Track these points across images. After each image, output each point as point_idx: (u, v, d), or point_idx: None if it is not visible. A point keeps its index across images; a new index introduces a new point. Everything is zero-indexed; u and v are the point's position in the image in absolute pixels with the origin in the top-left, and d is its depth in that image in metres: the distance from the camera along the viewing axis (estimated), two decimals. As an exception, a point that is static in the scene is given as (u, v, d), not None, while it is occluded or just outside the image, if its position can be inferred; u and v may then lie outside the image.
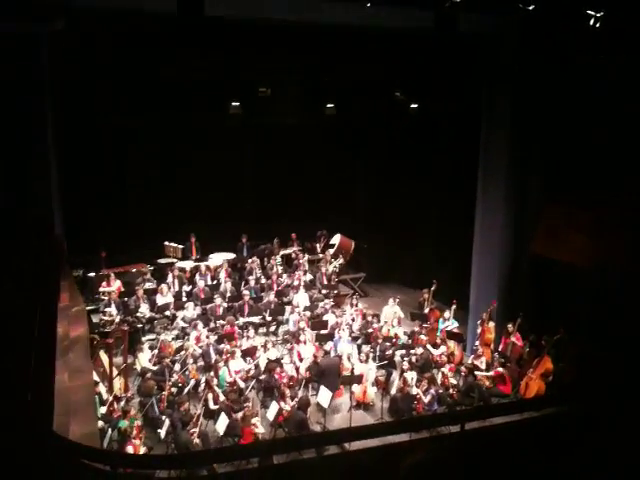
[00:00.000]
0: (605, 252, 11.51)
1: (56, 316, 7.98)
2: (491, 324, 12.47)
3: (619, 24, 9.81)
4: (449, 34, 9.42)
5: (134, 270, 14.81)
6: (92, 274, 14.40)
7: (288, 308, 13.92)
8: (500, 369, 11.36)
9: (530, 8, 9.83)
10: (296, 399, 10.35)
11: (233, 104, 13.60)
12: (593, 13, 9.93)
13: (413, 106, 15.03)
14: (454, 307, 13.15)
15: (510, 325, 12.10)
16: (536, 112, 11.91)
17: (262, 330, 13.84)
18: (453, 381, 11.28)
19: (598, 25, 10.05)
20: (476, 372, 11.53)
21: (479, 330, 12.56)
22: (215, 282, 14.79)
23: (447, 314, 13.04)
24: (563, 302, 11.61)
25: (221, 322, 13.00)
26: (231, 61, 12.12)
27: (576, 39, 10.44)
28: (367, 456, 4.70)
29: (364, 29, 11.27)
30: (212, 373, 10.89)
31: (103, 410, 9.69)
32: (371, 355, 11.79)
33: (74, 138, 13.55)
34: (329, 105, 14.64)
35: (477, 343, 12.35)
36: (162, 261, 15.66)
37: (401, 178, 16.95)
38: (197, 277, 14.59)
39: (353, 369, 11.56)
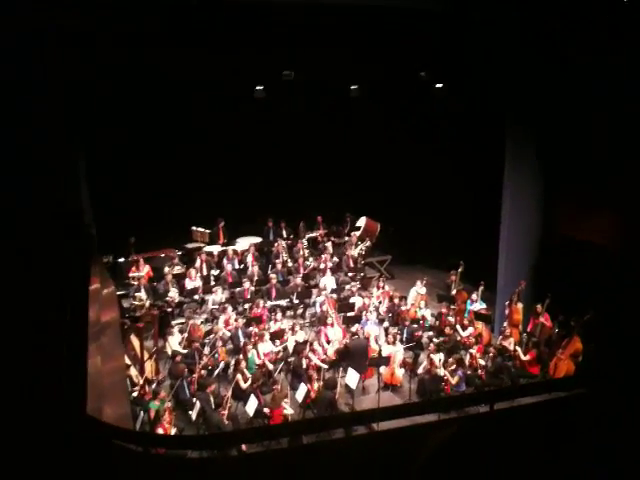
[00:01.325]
0: (633, 234, 11.36)
1: (88, 301, 8.13)
2: (519, 305, 12.38)
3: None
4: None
5: (163, 255, 14.98)
6: (121, 260, 14.61)
7: (315, 291, 13.97)
8: (534, 350, 11.29)
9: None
10: (322, 380, 10.43)
11: (257, 88, 13.57)
12: None
13: (438, 86, 14.85)
14: (482, 288, 13.07)
15: (539, 306, 12.01)
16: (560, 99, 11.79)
17: (289, 313, 13.93)
18: (482, 362, 11.25)
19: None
20: (507, 354, 11.48)
21: (507, 311, 12.49)
22: (242, 266, 14.90)
23: (474, 295, 12.97)
24: (593, 282, 11.47)
25: (248, 305, 13.13)
26: (254, 45, 12.08)
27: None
28: (395, 436, 4.73)
29: (389, 9, 11.15)
30: (241, 355, 11.02)
31: (135, 393, 9.88)
32: (398, 337, 11.80)
33: (101, 125, 13.66)
34: (353, 87, 14.51)
35: (505, 324, 12.29)
36: (190, 246, 15.81)
37: (427, 160, 16.82)
38: (225, 261, 14.71)
39: (381, 351, 11.60)
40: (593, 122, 11.56)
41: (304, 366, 10.90)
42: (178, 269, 14.27)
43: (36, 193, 7.76)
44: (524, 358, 11.22)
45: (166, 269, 14.14)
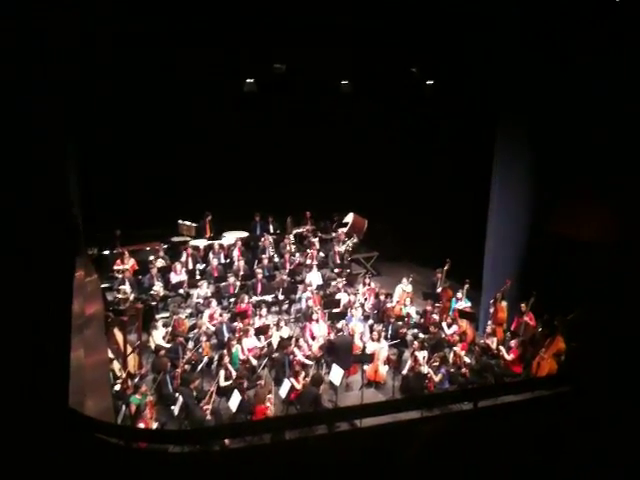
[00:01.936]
0: (621, 231, 11.43)
1: (72, 293, 8.07)
2: (504, 303, 12.45)
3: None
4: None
5: (148, 248, 14.91)
6: (107, 252, 14.52)
7: (301, 287, 13.97)
8: (517, 350, 11.34)
9: None
10: (308, 377, 10.43)
11: (247, 81, 13.51)
12: None
13: (429, 82, 14.89)
14: (467, 286, 13.14)
15: (523, 305, 12.08)
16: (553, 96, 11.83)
17: (275, 308, 13.91)
18: (466, 360, 11.30)
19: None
20: (491, 352, 11.54)
21: (492, 309, 12.56)
22: (228, 260, 14.86)
23: (460, 294, 13.03)
24: (577, 281, 11.55)
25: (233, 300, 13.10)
26: (245, 37, 12.04)
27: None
28: (378, 433, 4.73)
29: (379, 3, 11.18)
30: (225, 351, 10.99)
31: (117, 387, 9.82)
32: (383, 334, 11.83)
33: (89, 120, 13.57)
34: (344, 82, 14.51)
35: (489, 322, 12.35)
36: (176, 239, 15.74)
37: (415, 157, 16.87)
38: (210, 255, 14.67)
39: (365, 348, 11.62)
40: (584, 120, 11.59)
41: (288, 362, 10.90)
42: (161, 262, 14.18)
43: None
44: (507, 357, 11.28)
45: (150, 257, 14.10)
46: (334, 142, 17.07)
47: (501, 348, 11.43)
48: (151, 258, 14.29)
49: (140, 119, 14.93)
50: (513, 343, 11.38)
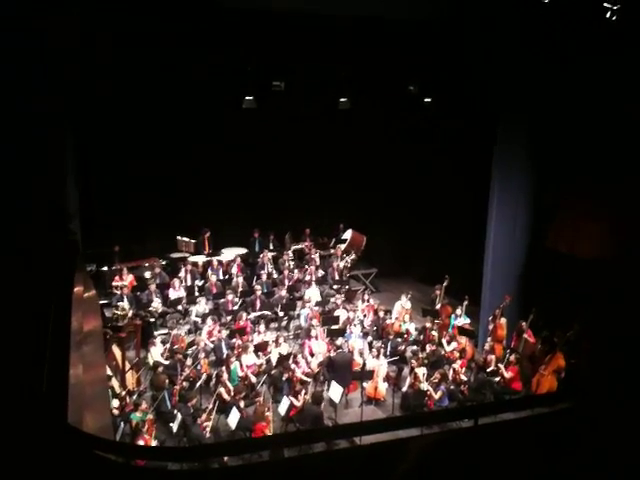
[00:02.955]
0: (620, 246, 11.45)
1: (70, 309, 8.05)
2: (503, 320, 12.43)
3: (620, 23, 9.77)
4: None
5: (147, 264, 14.90)
6: (105, 268, 14.50)
7: (300, 303, 13.95)
8: (516, 367, 11.30)
9: None
10: (307, 394, 10.38)
11: (247, 98, 13.58)
12: (610, 6, 9.86)
13: (427, 100, 14.98)
14: (466, 303, 13.13)
15: (523, 323, 12.06)
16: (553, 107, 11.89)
17: (274, 325, 13.88)
18: (464, 377, 11.26)
19: (615, 18, 10.00)
20: (490, 370, 11.51)
21: (491, 326, 12.54)
22: (227, 277, 14.85)
23: (459, 310, 13.01)
24: (577, 297, 11.55)
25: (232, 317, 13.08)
26: (244, 54, 12.14)
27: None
28: (377, 450, 4.71)
29: (379, 21, 11.28)
30: (224, 367, 10.95)
31: (116, 404, 9.78)
32: (382, 351, 11.79)
33: (88, 134, 13.61)
34: (342, 99, 14.58)
35: (489, 339, 12.33)
36: (175, 255, 15.74)
37: (414, 172, 16.92)
38: (209, 272, 14.66)
39: (364, 365, 11.58)
40: (585, 121, 11.63)
41: (287, 379, 10.87)
42: (157, 280, 14.13)
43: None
44: (506, 375, 11.22)
45: (147, 274, 14.10)
46: (333, 158, 17.11)
47: (500, 366, 11.38)
48: (147, 275, 14.29)
49: (138, 135, 14.96)
50: (512, 360, 11.34)
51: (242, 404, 10.03)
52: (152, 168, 15.33)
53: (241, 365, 11.22)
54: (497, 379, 11.27)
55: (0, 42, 7.44)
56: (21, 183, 7.51)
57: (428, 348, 11.98)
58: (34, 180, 7.75)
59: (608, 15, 10.02)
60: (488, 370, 11.50)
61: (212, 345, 12.04)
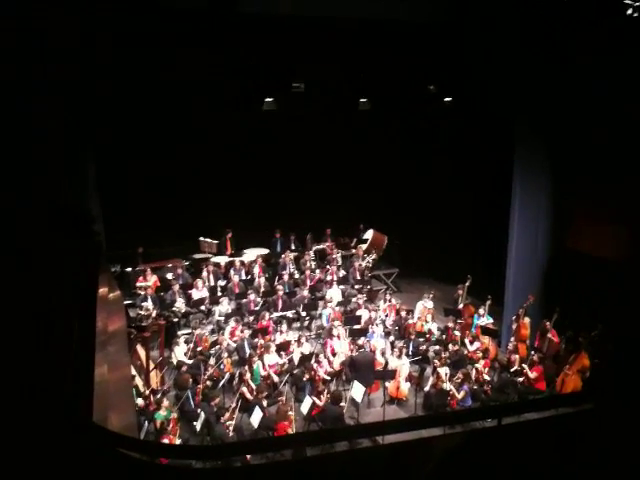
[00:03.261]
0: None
1: (95, 309, 8.14)
2: (527, 320, 12.33)
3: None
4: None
5: (170, 265, 15.04)
6: (129, 269, 14.66)
7: (321, 303, 13.98)
8: (540, 366, 11.20)
9: None
10: (328, 394, 10.39)
11: (267, 100, 13.64)
12: (631, 2, 9.75)
13: (447, 99, 14.92)
14: (489, 303, 13.04)
15: (547, 322, 11.95)
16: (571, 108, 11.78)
17: (296, 325, 13.92)
18: (487, 377, 11.19)
19: (637, 15, 9.89)
20: (514, 369, 11.42)
21: (514, 326, 12.44)
22: (249, 277, 14.93)
23: (482, 310, 12.93)
24: (601, 297, 11.41)
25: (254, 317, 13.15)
26: (264, 57, 12.18)
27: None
28: (400, 450, 4.70)
29: (397, 23, 11.27)
30: (246, 367, 11.01)
31: (140, 403, 9.88)
32: (404, 350, 11.77)
33: (111, 132, 13.73)
34: (363, 100, 14.58)
35: (512, 339, 12.23)
36: (197, 256, 15.85)
37: (435, 173, 16.86)
38: (232, 272, 14.74)
39: (387, 364, 11.57)
40: (605, 134, 11.54)
41: (309, 378, 10.90)
42: (180, 272, 14.25)
43: (36, 193, 7.77)
44: (531, 376, 11.11)
45: (170, 275, 14.23)
46: (353, 159, 17.12)
47: (524, 366, 11.28)
48: (170, 276, 14.42)
49: (162, 135, 15.07)
50: (535, 360, 11.24)
51: (265, 403, 10.08)
52: (172, 170, 15.47)
53: (263, 364, 11.27)
54: (521, 379, 11.18)
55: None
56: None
57: (451, 347, 11.93)
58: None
59: (630, 12, 9.93)
60: (512, 370, 11.42)
61: (235, 345, 12.11)
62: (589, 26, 9.85)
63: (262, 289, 14.13)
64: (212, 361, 11.18)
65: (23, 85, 7.90)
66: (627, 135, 11.10)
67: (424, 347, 12.17)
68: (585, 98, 11.21)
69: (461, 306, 13.56)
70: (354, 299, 14.15)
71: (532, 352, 11.65)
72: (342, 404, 10.27)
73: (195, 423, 9.64)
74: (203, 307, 13.63)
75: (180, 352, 11.70)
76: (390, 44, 11.94)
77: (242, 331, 12.28)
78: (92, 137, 11.67)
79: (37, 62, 8.29)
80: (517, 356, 11.62)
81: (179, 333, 12.72)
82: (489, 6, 10.70)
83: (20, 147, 7.77)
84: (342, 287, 14.72)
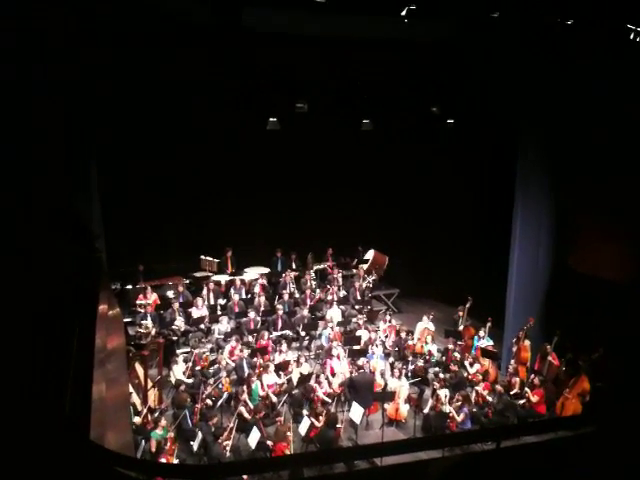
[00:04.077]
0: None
1: (95, 327, 8.13)
2: (527, 342, 12.29)
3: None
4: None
5: (170, 283, 15.03)
6: (129, 287, 14.66)
7: (321, 323, 13.94)
8: (541, 389, 11.14)
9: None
10: (327, 416, 10.33)
11: (271, 120, 13.73)
12: (634, 27, 9.84)
13: (449, 121, 15.02)
14: (489, 324, 13.00)
15: (548, 346, 11.91)
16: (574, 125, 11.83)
17: (295, 345, 13.88)
18: (489, 398, 11.13)
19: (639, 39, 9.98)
20: (514, 392, 11.37)
21: (514, 348, 12.40)
22: (249, 296, 14.91)
23: (482, 332, 12.88)
24: (602, 320, 11.39)
25: (254, 336, 13.12)
26: (267, 76, 12.29)
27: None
28: (398, 472, 4.68)
29: (401, 43, 11.37)
30: (245, 387, 10.96)
31: (137, 421, 9.83)
32: (404, 372, 11.72)
33: (112, 154, 13.80)
34: (365, 120, 14.68)
35: (512, 361, 12.19)
36: (198, 274, 15.85)
37: (436, 193, 16.91)
38: (232, 291, 14.72)
39: (386, 385, 11.51)
40: (605, 135, 11.55)
41: (308, 399, 10.84)
42: (180, 290, 14.27)
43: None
44: (533, 400, 11.04)
45: (170, 293, 14.21)
46: (355, 178, 17.19)
47: (527, 389, 11.22)
48: (170, 294, 14.40)
49: (166, 151, 15.09)
50: (536, 383, 11.18)
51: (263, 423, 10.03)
52: (176, 188, 15.51)
53: (262, 384, 11.22)
54: (521, 402, 11.12)
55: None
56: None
57: (452, 367, 11.88)
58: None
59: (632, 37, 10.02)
60: (512, 393, 11.36)
61: (234, 364, 12.06)
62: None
63: (262, 308, 14.11)
64: (211, 380, 11.14)
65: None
66: (627, 136, 11.11)
67: (422, 366, 12.11)
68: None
69: (461, 328, 13.53)
70: (354, 319, 14.13)
71: (532, 375, 11.60)
72: (338, 426, 10.22)
73: (192, 443, 9.58)
74: (203, 326, 13.59)
75: (179, 371, 11.65)
76: (393, 63, 12.03)
77: (241, 350, 12.24)
78: (93, 145, 11.68)
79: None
80: (517, 379, 11.57)
81: (178, 352, 12.68)
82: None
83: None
84: (342, 307, 14.70)
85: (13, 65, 7.72)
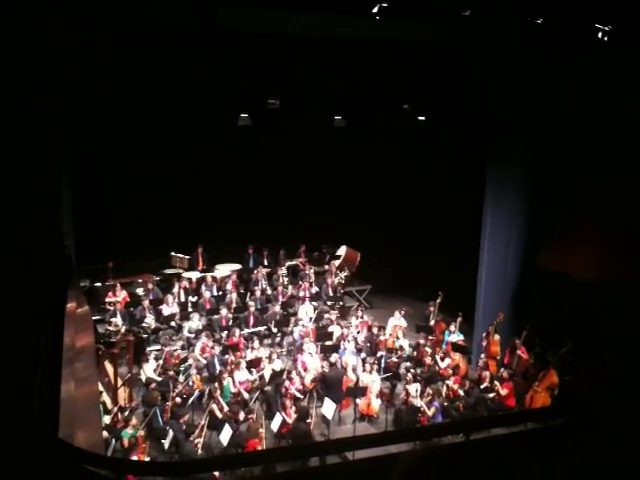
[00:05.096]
0: (614, 267, 11.50)
1: (63, 325, 8.03)
2: (497, 337, 12.45)
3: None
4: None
5: (140, 280, 14.88)
6: (99, 284, 14.48)
7: (293, 319, 13.94)
8: (510, 383, 11.29)
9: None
10: (297, 411, 10.34)
11: (242, 115, 13.65)
12: (601, 27, 9.98)
13: (421, 118, 15.10)
14: (460, 319, 13.14)
15: (517, 340, 12.07)
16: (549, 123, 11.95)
17: (267, 341, 13.85)
18: (461, 392, 11.24)
19: (606, 38, 10.12)
20: (484, 386, 11.50)
21: (484, 343, 12.55)
22: (221, 293, 14.83)
23: (453, 327, 13.02)
24: (570, 315, 11.58)
25: (226, 333, 13.06)
26: (240, 72, 12.22)
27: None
28: (370, 466, 4.70)
29: (374, 42, 11.39)
30: (216, 384, 10.91)
31: (107, 420, 9.73)
32: (375, 367, 11.78)
33: (82, 148, 13.62)
34: (338, 117, 14.69)
35: (482, 356, 12.33)
36: (168, 271, 15.72)
37: (408, 190, 17.00)
38: (203, 288, 14.64)
39: (358, 381, 11.56)
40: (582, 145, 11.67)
41: (280, 395, 10.84)
42: (148, 295, 14.15)
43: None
44: (502, 393, 11.19)
45: (140, 291, 14.07)
46: (327, 175, 17.20)
47: (496, 383, 11.37)
48: (140, 291, 14.26)
49: (132, 148, 14.95)
50: (505, 376, 11.34)
51: (240, 418, 10.02)
52: (143, 185, 15.36)
53: (234, 381, 11.18)
54: (491, 395, 11.26)
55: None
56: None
57: (428, 361, 12.01)
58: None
59: (600, 35, 10.16)
60: (482, 386, 11.50)
61: (205, 361, 12.00)
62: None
63: (234, 305, 14.05)
64: (181, 378, 11.07)
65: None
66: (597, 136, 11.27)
67: (394, 361, 12.19)
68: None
69: (432, 323, 13.65)
70: (326, 315, 14.15)
71: (502, 369, 11.75)
72: (309, 421, 10.24)
73: (163, 441, 9.51)
74: (173, 323, 13.49)
75: (149, 369, 11.55)
76: (371, 62, 12.04)
77: (212, 347, 12.18)
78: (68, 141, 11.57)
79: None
80: (487, 373, 11.72)
81: (148, 349, 12.55)
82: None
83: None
84: (314, 303, 14.70)
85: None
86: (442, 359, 12.35)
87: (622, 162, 11.13)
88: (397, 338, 13.09)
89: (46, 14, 8.14)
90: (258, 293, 14.66)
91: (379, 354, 12.56)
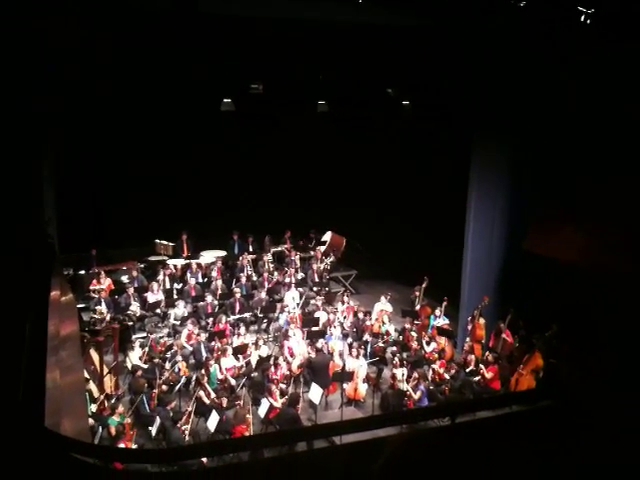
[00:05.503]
0: (599, 251, 11.58)
1: (47, 313, 7.98)
2: (482, 320, 12.54)
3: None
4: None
5: (124, 268, 14.80)
6: (83, 272, 14.38)
7: (279, 305, 13.94)
8: (495, 366, 11.39)
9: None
10: (286, 396, 10.38)
11: (225, 101, 13.54)
12: (584, 9, 9.98)
13: (405, 103, 15.05)
14: (445, 304, 13.21)
15: (502, 324, 12.16)
16: (533, 111, 11.96)
17: (253, 328, 13.85)
18: (447, 376, 11.33)
19: (589, 22, 10.11)
20: (469, 369, 11.59)
21: (469, 327, 12.63)
22: (206, 280, 14.79)
23: (438, 311, 13.09)
24: (555, 298, 11.66)
25: (211, 320, 13.04)
26: (223, 58, 12.11)
27: (576, 38, 10.45)
28: (357, 450, 4.73)
29: (357, 25, 11.31)
30: (203, 371, 10.91)
31: (94, 408, 9.70)
32: (362, 352, 11.82)
33: (66, 137, 13.49)
34: (321, 102, 14.61)
35: (468, 340, 12.42)
36: (153, 259, 15.64)
37: (393, 175, 17.00)
38: (188, 275, 14.59)
39: (344, 366, 11.60)
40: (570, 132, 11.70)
41: (267, 381, 10.86)
42: (135, 275, 14.08)
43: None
44: (487, 376, 11.29)
45: (125, 278, 13.99)
46: (312, 160, 17.15)
47: (481, 366, 11.46)
48: (125, 279, 14.18)
49: (116, 135, 14.86)
50: (490, 359, 11.43)
51: (224, 405, 10.02)
52: (132, 171, 15.24)
53: (220, 368, 11.18)
54: (477, 379, 11.35)
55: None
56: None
57: (415, 346, 12.07)
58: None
59: (582, 18, 10.16)
60: (467, 370, 11.59)
61: (191, 348, 11.98)
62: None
63: (219, 292, 14.02)
64: (168, 365, 11.05)
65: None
66: (600, 137, 11.29)
67: (381, 345, 12.25)
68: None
69: (418, 307, 13.71)
70: (312, 301, 14.17)
71: (487, 352, 11.84)
72: (298, 406, 10.27)
73: (150, 428, 9.50)
74: (159, 310, 13.44)
75: (135, 356, 11.52)
76: (366, 46, 11.97)
77: (198, 334, 12.17)
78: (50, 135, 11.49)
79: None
80: (473, 356, 11.80)
81: (134, 337, 12.52)
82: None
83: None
84: (300, 289, 14.71)
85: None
86: (428, 343, 12.42)
87: (622, 162, 11.18)
88: (383, 323, 13.14)
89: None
90: (244, 280, 14.65)
91: (365, 339, 12.60)
